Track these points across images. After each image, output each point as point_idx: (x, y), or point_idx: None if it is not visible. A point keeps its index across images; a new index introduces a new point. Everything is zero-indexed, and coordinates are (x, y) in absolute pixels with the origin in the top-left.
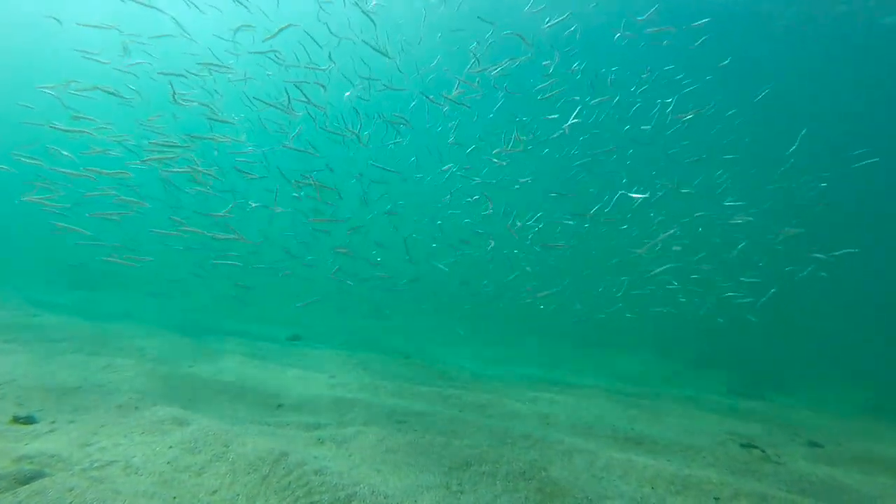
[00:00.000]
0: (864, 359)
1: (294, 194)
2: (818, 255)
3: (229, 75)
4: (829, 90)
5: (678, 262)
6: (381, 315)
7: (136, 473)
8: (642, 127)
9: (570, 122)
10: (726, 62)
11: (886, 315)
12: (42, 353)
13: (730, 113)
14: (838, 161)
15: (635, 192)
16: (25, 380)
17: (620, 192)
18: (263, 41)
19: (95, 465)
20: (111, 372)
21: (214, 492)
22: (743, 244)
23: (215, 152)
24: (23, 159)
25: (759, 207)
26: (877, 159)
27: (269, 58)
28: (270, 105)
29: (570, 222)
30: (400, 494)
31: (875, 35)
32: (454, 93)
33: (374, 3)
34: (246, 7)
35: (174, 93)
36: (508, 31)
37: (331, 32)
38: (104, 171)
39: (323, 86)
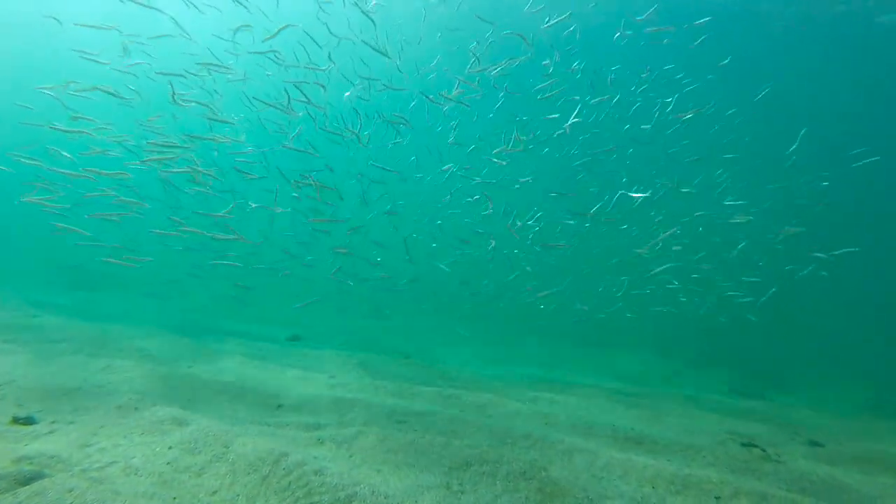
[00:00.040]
0: (864, 358)
1: (294, 194)
2: (819, 255)
3: (228, 75)
4: (827, 89)
5: (678, 262)
6: (381, 315)
7: (136, 474)
8: (642, 126)
9: (570, 122)
10: (726, 62)
11: (887, 314)
12: (42, 354)
13: (730, 112)
14: (837, 160)
15: (636, 192)
16: (25, 380)
17: (621, 191)
18: (263, 41)
19: (95, 465)
20: (111, 372)
21: (214, 492)
22: (743, 244)
23: (215, 153)
24: (22, 160)
25: (760, 207)
26: (877, 158)
27: (269, 58)
28: (270, 105)
29: (571, 222)
30: (400, 495)
31: (873, 34)
32: (454, 92)
33: (373, 2)
34: (245, 7)
35: (173, 93)
36: (508, 31)
37: (330, 33)
38: (103, 171)
39: (323, 86)
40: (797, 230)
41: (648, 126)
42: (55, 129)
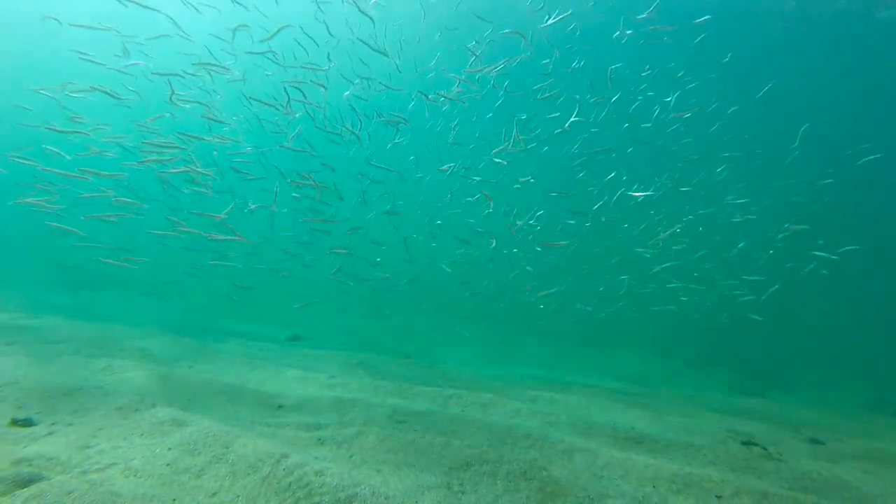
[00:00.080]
0: (865, 356)
1: (294, 195)
2: (819, 254)
3: (227, 75)
4: (826, 86)
5: (679, 261)
6: (381, 315)
7: (136, 476)
8: (642, 125)
9: (570, 121)
10: (727, 59)
11: (887, 313)
12: (41, 355)
13: (731, 111)
14: (837, 158)
15: (636, 191)
16: (24, 381)
17: (621, 190)
18: (261, 42)
19: (94, 467)
20: (111, 373)
21: (214, 493)
22: (742, 244)
23: (215, 153)
24: (17, 160)
25: (760, 204)
26: (880, 155)
27: (268, 58)
28: (268, 105)
29: (571, 222)
30: (401, 495)
31: (872, 30)
32: (454, 91)
33: (372, 1)
34: (244, 7)
35: (172, 93)
36: (508, 30)
37: (329, 33)
38: (98, 172)
39: (323, 86)
40: (800, 228)
41: (649, 125)
42: (52, 129)
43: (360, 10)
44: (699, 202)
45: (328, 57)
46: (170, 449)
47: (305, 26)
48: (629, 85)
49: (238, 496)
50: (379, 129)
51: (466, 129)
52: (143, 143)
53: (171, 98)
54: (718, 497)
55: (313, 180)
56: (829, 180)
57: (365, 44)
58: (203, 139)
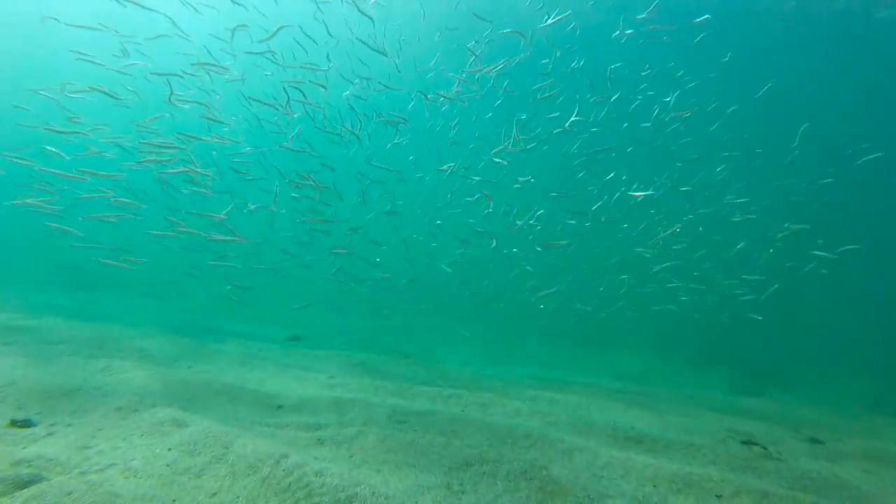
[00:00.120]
0: (864, 355)
1: (293, 195)
2: (819, 253)
3: (226, 76)
4: (826, 85)
5: (678, 260)
6: (380, 315)
7: (136, 476)
8: (642, 125)
9: (571, 120)
10: (726, 58)
11: (887, 312)
12: (41, 356)
13: (730, 110)
14: (837, 157)
15: (636, 191)
16: (24, 382)
17: (621, 189)
18: (261, 42)
19: (94, 468)
20: (110, 373)
21: (214, 494)
22: (742, 244)
23: (214, 153)
24: (15, 160)
25: (759, 203)
26: (880, 154)
27: (267, 58)
28: (268, 105)
29: (572, 221)
30: (401, 495)
31: (872, 29)
32: (454, 91)
33: (372, 1)
34: (243, 6)
35: (171, 93)
36: (508, 30)
37: (328, 34)
38: (96, 172)
39: (323, 86)
40: (800, 227)
41: (648, 124)
42: (51, 130)
43: (359, 9)
44: (699, 202)
45: (327, 57)
46: (169, 449)
47: (305, 26)
48: (629, 84)
49: (238, 496)
50: (379, 129)
51: (466, 128)
52: (140, 143)
53: (170, 98)
54: (718, 497)
55: (313, 180)
56: (829, 180)
57: (364, 44)
58: (202, 139)
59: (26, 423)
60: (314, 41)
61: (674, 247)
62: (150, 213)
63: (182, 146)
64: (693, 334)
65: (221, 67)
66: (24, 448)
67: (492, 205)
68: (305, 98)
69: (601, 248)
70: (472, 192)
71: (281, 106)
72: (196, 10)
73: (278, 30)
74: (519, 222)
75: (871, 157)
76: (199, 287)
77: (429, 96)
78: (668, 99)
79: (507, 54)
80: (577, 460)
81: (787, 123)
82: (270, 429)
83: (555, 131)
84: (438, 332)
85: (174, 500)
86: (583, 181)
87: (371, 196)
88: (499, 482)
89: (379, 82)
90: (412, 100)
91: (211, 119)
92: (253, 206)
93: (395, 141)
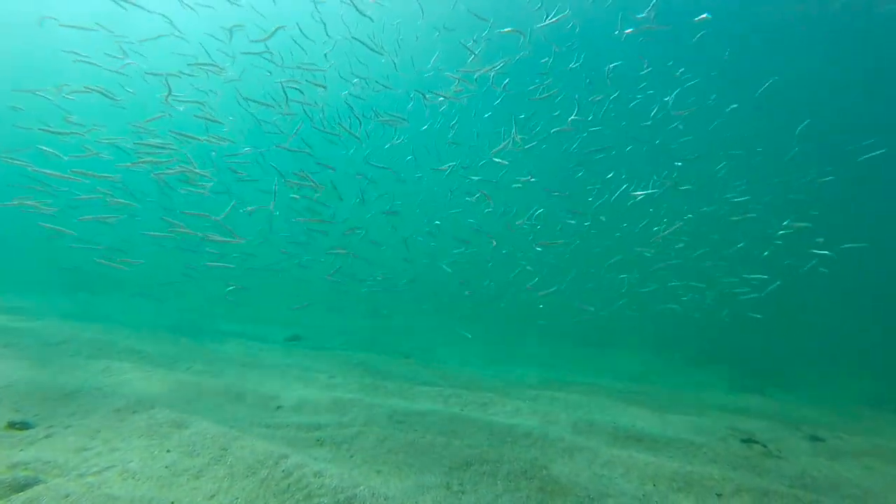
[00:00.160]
0: (865, 353)
1: (292, 195)
2: (820, 252)
3: (224, 75)
4: (827, 80)
5: (679, 259)
6: (380, 315)
7: (134, 478)
8: (642, 123)
9: (571, 119)
10: (726, 55)
11: (887, 311)
12: (40, 357)
13: (730, 108)
14: (837, 154)
15: (636, 190)
16: (22, 384)
17: (623, 187)
18: (258, 41)
19: (92, 470)
20: (109, 375)
21: (213, 495)
22: (742, 244)
23: (213, 153)
24: (9, 161)
25: (760, 202)
26: (883, 150)
27: (265, 58)
28: (266, 105)
29: (571, 221)
30: (401, 496)
31: (873, 25)
32: (453, 90)
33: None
34: (240, 6)
35: (169, 93)
36: (507, 29)
37: (327, 34)
38: (90, 173)
39: (323, 86)
40: (802, 225)
41: (648, 123)
42: (47, 131)
43: (357, 9)
44: (699, 200)
45: (326, 56)
46: (168, 451)
47: (303, 26)
48: (628, 83)
49: (237, 498)
50: (377, 129)
51: (465, 128)
52: (136, 143)
53: (166, 98)
54: (719, 495)
55: (312, 180)
56: (829, 177)
57: (362, 43)
58: (199, 139)
59: (24, 426)
60: (312, 41)
61: (674, 246)
62: (147, 213)
63: (179, 147)
64: (693, 333)
65: (218, 67)
66: (21, 451)
67: (491, 204)
68: (304, 97)
69: (601, 247)
70: (471, 192)
71: (279, 106)
72: (193, 10)
73: (276, 30)
74: (518, 222)
75: (872, 154)
76: (198, 287)
77: (427, 96)
78: (668, 99)
79: (507, 54)
80: (578, 459)
81: (787, 121)
82: (269, 429)
83: (556, 131)
84: (439, 332)
85: (172, 502)
86: (582, 180)
87: (370, 196)
88: (499, 482)
89: (377, 82)
90: (411, 99)
91: (208, 119)
92: (251, 208)
93: (395, 140)
